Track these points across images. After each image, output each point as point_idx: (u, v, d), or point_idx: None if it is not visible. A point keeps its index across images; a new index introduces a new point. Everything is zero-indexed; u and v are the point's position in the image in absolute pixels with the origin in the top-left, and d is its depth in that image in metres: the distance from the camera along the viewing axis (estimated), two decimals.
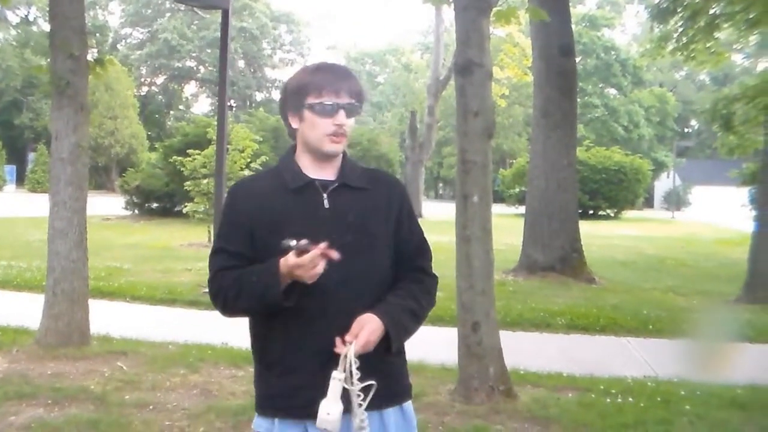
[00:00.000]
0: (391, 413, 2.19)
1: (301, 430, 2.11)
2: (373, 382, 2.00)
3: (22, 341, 6.77)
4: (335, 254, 1.97)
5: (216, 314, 7.15)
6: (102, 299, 9.16)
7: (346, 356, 1.98)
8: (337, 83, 2.13)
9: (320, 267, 1.97)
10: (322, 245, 1.95)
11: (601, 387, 5.89)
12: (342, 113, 2.12)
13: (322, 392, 1.98)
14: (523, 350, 7.10)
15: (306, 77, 2.17)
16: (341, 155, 2.23)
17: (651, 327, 8.61)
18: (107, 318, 7.82)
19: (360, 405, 2.01)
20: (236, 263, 2.14)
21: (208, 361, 6.38)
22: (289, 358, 2.13)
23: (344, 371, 1.97)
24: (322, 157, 2.17)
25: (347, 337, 2.00)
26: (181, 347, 6.88)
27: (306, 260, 1.95)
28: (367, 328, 2.02)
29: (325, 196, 2.15)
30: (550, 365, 6.63)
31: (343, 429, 1.99)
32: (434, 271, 2.33)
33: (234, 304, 2.14)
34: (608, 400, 5.57)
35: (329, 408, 1.96)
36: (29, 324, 7.15)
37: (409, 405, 2.29)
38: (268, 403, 2.18)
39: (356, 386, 1.99)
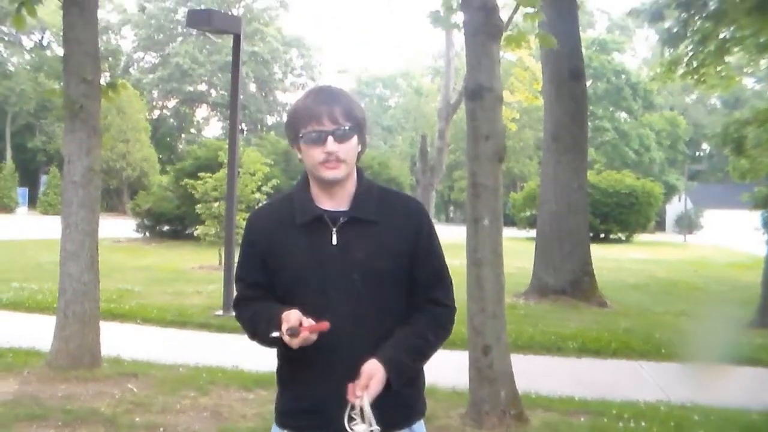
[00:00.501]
0: None
1: None
2: (376, 428, 1.99)
3: (33, 363, 6.78)
4: (326, 325, 1.99)
5: (226, 337, 7.24)
6: (113, 321, 9.17)
7: (362, 409, 1.99)
8: (321, 110, 2.08)
9: (312, 338, 1.99)
10: (304, 333, 1.97)
11: (614, 411, 5.85)
12: (330, 140, 2.06)
13: (329, 417, 2.03)
14: (535, 374, 7.06)
15: (297, 107, 2.15)
16: (356, 180, 2.19)
17: (663, 351, 8.55)
18: (118, 340, 7.83)
19: None
20: (254, 293, 2.20)
21: (219, 383, 6.37)
22: (300, 384, 2.17)
23: (363, 422, 1.99)
24: (327, 184, 2.14)
25: (357, 391, 2.00)
26: (192, 369, 6.87)
27: (295, 345, 1.98)
28: (376, 380, 2.01)
29: (334, 231, 2.12)
30: (562, 389, 6.59)
31: None
32: (453, 300, 2.27)
33: (253, 339, 2.20)
34: (621, 424, 5.53)
35: None
36: (40, 346, 7.16)
37: (419, 425, 2.27)
38: (281, 420, 2.24)
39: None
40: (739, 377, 7.57)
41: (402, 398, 2.17)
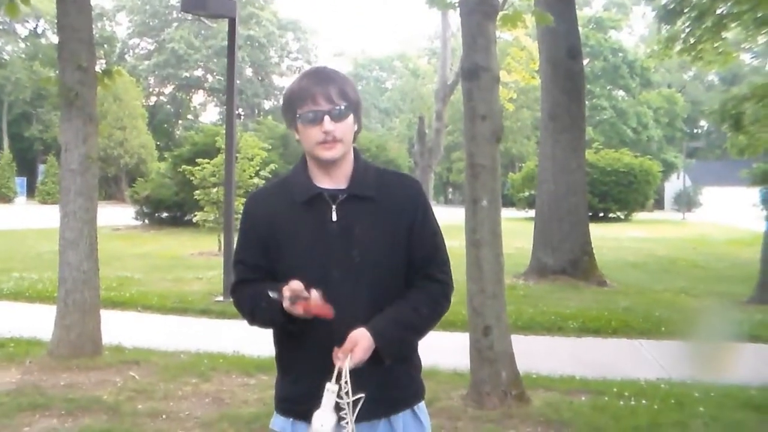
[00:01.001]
0: (399, 418, 2.18)
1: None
2: (362, 395, 2.01)
3: (34, 352, 6.79)
4: (329, 313, 1.99)
5: (227, 323, 7.26)
6: (113, 309, 9.18)
7: (340, 370, 2.00)
8: (316, 90, 2.10)
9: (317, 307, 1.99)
10: (309, 302, 1.97)
11: (614, 390, 5.88)
12: (327, 119, 2.08)
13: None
14: (535, 354, 7.09)
15: (292, 88, 2.17)
16: (353, 160, 2.21)
17: (663, 329, 8.58)
18: (119, 328, 7.85)
19: (348, 422, 2.03)
20: (253, 275, 2.20)
21: (220, 369, 6.39)
22: (299, 366, 2.17)
23: (337, 383, 1.99)
24: (324, 164, 2.15)
25: (339, 353, 2.01)
26: (193, 356, 6.89)
27: (299, 312, 1.98)
28: (360, 346, 2.02)
29: (333, 208, 2.14)
30: (563, 368, 6.61)
31: None
32: (449, 276, 2.27)
33: (251, 322, 2.20)
34: (621, 402, 5.55)
35: (323, 419, 1.98)
36: (42, 335, 7.18)
37: (420, 407, 2.26)
38: (282, 405, 2.23)
39: (346, 399, 2.01)
40: (739, 353, 7.59)
41: (399, 376, 2.18)
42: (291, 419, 2.19)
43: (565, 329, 8.60)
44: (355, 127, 2.19)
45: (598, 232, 16.44)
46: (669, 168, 59.08)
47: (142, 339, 7.53)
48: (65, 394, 5.56)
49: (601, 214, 35.16)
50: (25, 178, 53.25)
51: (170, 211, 26.20)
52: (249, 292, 2.17)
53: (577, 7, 14.09)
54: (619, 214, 37.00)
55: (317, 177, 2.18)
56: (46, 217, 20.26)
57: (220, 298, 10.12)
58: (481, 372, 5.46)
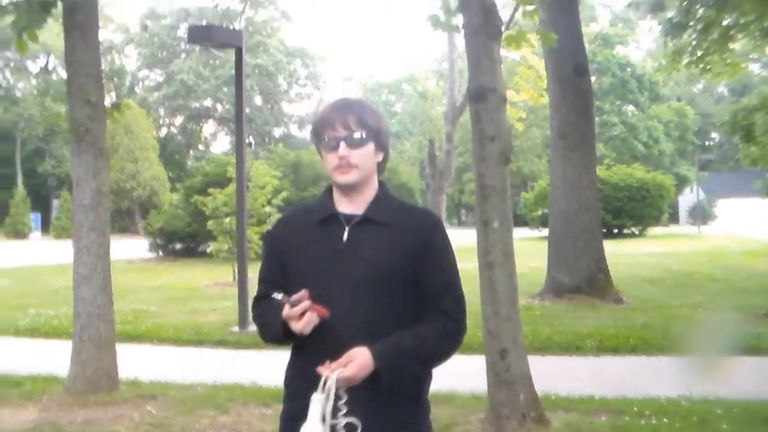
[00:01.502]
0: None
1: None
2: (354, 420, 2.03)
3: (51, 389, 6.78)
4: (325, 312, 2.05)
5: (243, 353, 7.27)
6: (129, 343, 9.16)
7: (326, 381, 2.01)
8: (335, 117, 2.19)
9: (311, 321, 2.05)
10: (306, 302, 2.04)
11: (635, 409, 5.81)
12: (342, 145, 2.17)
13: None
14: (554, 375, 7.02)
15: (318, 116, 2.27)
16: (376, 189, 2.27)
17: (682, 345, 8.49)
18: (135, 362, 7.83)
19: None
20: (271, 292, 2.21)
21: (237, 400, 6.36)
22: (295, 385, 2.22)
23: (323, 393, 2.00)
24: (344, 189, 2.23)
25: (333, 365, 2.03)
26: (210, 388, 6.86)
27: (294, 313, 2.04)
28: (356, 363, 2.03)
29: (346, 229, 2.19)
30: (582, 389, 6.55)
31: None
32: (463, 316, 2.27)
33: (262, 335, 2.30)
34: (642, 422, 5.49)
35: (305, 429, 1.99)
36: (58, 372, 7.16)
37: None
38: (283, 426, 2.28)
39: (340, 421, 2.02)
40: (759, 368, 7.50)
41: (403, 412, 2.16)
42: None
43: (582, 348, 8.53)
44: (379, 156, 2.27)
45: (612, 248, 16.36)
46: (682, 181, 58.91)
47: (159, 372, 7.51)
48: (83, 430, 5.55)
49: (616, 231, 34.98)
50: (39, 214, 53.49)
51: (184, 242, 26.24)
52: (261, 309, 2.28)
53: (582, 23, 14.11)
54: (633, 229, 36.78)
55: (339, 202, 2.25)
56: (60, 252, 20.34)
57: (236, 329, 10.10)
58: (499, 395, 5.42)
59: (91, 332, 6.71)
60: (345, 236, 2.18)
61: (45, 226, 53.10)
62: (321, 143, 2.22)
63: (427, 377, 2.25)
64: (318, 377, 2.05)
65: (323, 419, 2.00)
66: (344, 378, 2.01)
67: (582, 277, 12.55)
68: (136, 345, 9.33)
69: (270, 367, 7.97)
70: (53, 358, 8.02)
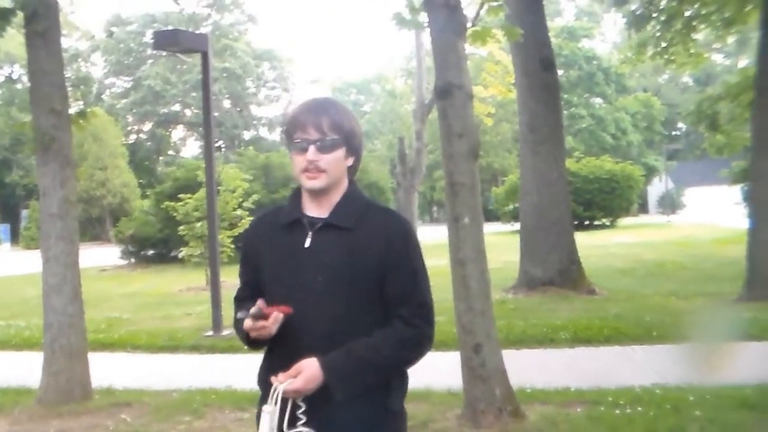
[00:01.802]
0: None
1: None
2: (310, 430, 2.03)
3: (23, 401, 6.69)
4: (288, 309, 2.07)
5: (218, 357, 7.21)
6: (103, 351, 9.08)
7: (275, 391, 2.02)
8: (307, 118, 2.15)
9: (272, 329, 2.07)
10: (273, 314, 2.05)
11: (610, 399, 5.86)
12: (312, 149, 2.13)
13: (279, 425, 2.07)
14: (529, 368, 7.06)
15: (290, 115, 2.23)
16: (344, 191, 2.23)
17: (655, 333, 8.57)
18: (109, 370, 7.77)
19: None
20: (244, 293, 2.31)
21: (213, 405, 6.33)
22: (264, 389, 2.21)
23: (274, 404, 2.01)
24: (311, 193, 2.20)
25: (280, 377, 2.04)
26: (185, 393, 6.82)
27: (256, 326, 2.06)
28: (303, 375, 2.03)
29: (309, 234, 2.17)
30: (557, 381, 6.58)
31: None
32: (427, 321, 2.21)
33: (240, 337, 2.28)
34: (618, 411, 5.54)
35: None
36: (30, 383, 7.07)
37: None
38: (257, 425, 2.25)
39: (300, 430, 2.03)
40: (732, 353, 7.58)
41: (364, 421, 2.13)
42: None
43: (557, 341, 8.58)
44: (350, 161, 2.22)
45: (584, 240, 16.48)
46: (651, 171, 59.51)
47: (133, 380, 7.45)
48: None
49: (587, 222, 35.27)
50: (8, 225, 52.87)
51: (156, 248, 26.07)
52: (235, 312, 2.26)
53: (548, 17, 14.18)
54: (604, 221, 37.13)
55: (307, 204, 2.23)
56: (30, 262, 20.08)
57: (210, 333, 10.04)
58: (475, 390, 5.43)
59: (63, 342, 6.64)
60: (307, 242, 2.16)
61: (14, 237, 52.47)
62: (291, 144, 2.18)
63: (394, 385, 2.21)
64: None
65: (273, 430, 2.01)
66: (292, 390, 2.01)
67: (554, 270, 12.63)
68: (110, 353, 9.24)
69: (245, 370, 7.94)
70: (25, 369, 7.92)
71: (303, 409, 2.04)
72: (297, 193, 2.28)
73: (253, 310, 2.04)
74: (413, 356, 2.19)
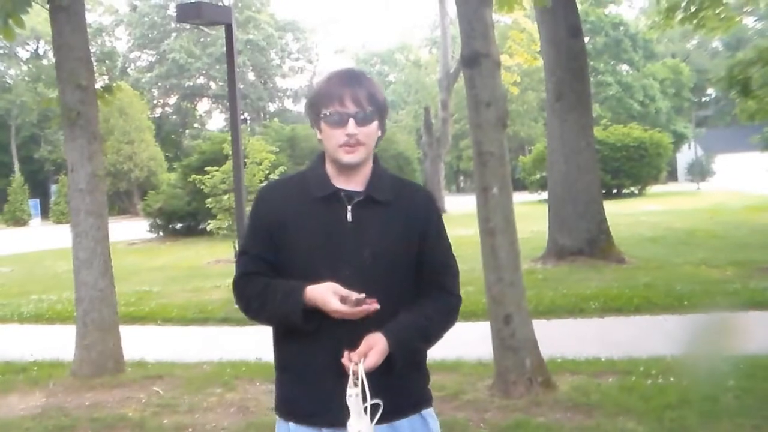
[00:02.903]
0: (405, 423, 2.16)
1: None
2: (379, 401, 1.99)
3: (57, 375, 6.79)
4: (375, 305, 2.01)
5: (249, 329, 7.23)
6: (134, 324, 9.17)
7: (356, 374, 1.98)
8: (344, 91, 2.10)
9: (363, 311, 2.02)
10: (375, 305, 2.01)
11: (641, 369, 5.82)
12: (351, 122, 2.08)
13: (330, 402, 2.04)
14: (559, 338, 7.03)
15: (319, 88, 2.18)
16: (371, 165, 2.20)
17: (686, 302, 8.50)
18: (140, 343, 7.84)
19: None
20: (258, 268, 2.18)
21: (244, 377, 6.37)
22: (300, 366, 2.16)
23: (356, 386, 1.98)
24: (343, 167, 2.14)
25: (353, 356, 2.00)
26: (216, 366, 6.87)
27: (355, 312, 2.00)
28: (377, 350, 2.01)
29: (349, 208, 2.13)
30: (588, 351, 6.55)
31: None
32: (459, 290, 2.30)
33: (256, 315, 2.20)
34: (649, 381, 5.50)
35: (359, 426, 1.97)
36: (64, 356, 7.17)
37: (429, 412, 2.25)
38: (282, 407, 2.23)
39: (365, 404, 1.99)
40: (764, 322, 7.51)
41: (408, 383, 2.16)
42: (290, 423, 2.17)
43: (586, 310, 8.54)
44: (379, 132, 2.18)
45: (613, 209, 16.35)
46: (679, 139, 58.77)
47: (165, 352, 7.52)
48: (90, 414, 5.55)
49: (615, 191, 34.99)
50: (38, 200, 53.37)
51: (184, 221, 26.22)
52: (256, 288, 2.16)
53: None
54: (632, 189, 36.81)
55: (334, 177, 2.17)
56: (61, 237, 20.29)
57: None
58: (506, 361, 5.41)
59: (94, 316, 6.70)
60: (349, 216, 2.12)
61: (44, 212, 53.04)
62: (324, 117, 2.11)
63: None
64: (329, 359, 2.04)
65: (365, 411, 1.98)
66: (368, 367, 1.99)
67: (583, 239, 12.54)
68: (140, 326, 9.34)
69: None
70: (58, 343, 8.03)
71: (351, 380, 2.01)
72: (321, 163, 2.22)
73: (354, 297, 1.99)
74: (452, 325, 2.26)
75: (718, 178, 55.69)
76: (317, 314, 2.03)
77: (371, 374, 2.00)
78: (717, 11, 14.70)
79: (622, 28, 62.43)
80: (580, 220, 12.62)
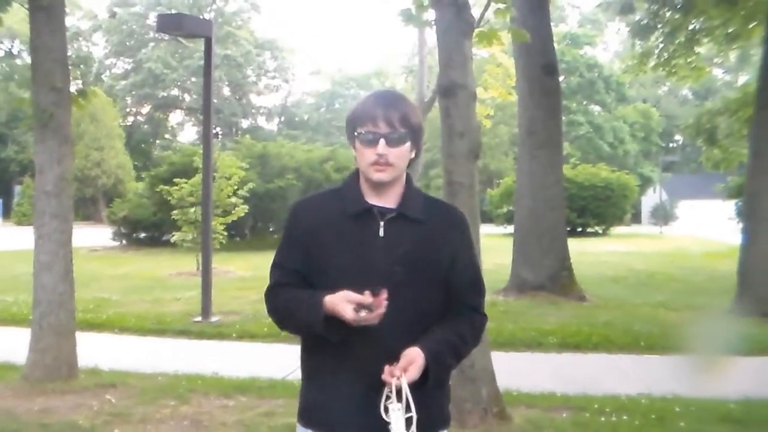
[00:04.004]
0: None
1: None
2: (414, 414, 2.03)
3: (8, 377, 6.69)
4: (383, 305, 2.03)
5: (206, 343, 7.19)
6: (90, 331, 9.06)
7: (399, 389, 2.01)
8: (377, 112, 2.15)
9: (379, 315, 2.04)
10: (382, 309, 2.02)
11: (596, 406, 5.87)
12: (382, 142, 2.13)
13: (354, 413, 2.09)
14: (516, 371, 7.06)
15: (357, 106, 2.22)
16: (405, 183, 2.25)
17: (643, 343, 8.60)
18: (96, 350, 7.75)
19: None
20: (291, 280, 2.23)
21: (198, 391, 6.31)
22: (328, 375, 2.19)
23: (399, 401, 2.01)
24: (375, 184, 2.19)
25: (395, 371, 2.03)
26: (171, 378, 6.81)
27: (370, 318, 2.02)
28: (416, 365, 2.05)
29: (381, 224, 2.17)
30: (544, 385, 6.60)
31: None
32: (484, 310, 2.34)
33: (284, 326, 2.26)
34: (603, 419, 5.55)
35: None
36: (15, 359, 7.06)
37: None
38: (305, 414, 2.26)
39: (412, 414, 2.03)
40: (722, 366, 7.60)
41: (429, 401, 2.16)
42: (310, 431, 2.21)
43: (545, 345, 8.60)
44: (413, 153, 2.22)
45: (576, 247, 16.50)
46: (646, 182, 59.57)
47: (120, 361, 7.44)
48: (40, 419, 5.47)
49: (580, 229, 35.28)
50: (0, 200, 52.68)
51: (148, 231, 26.03)
52: (284, 299, 2.21)
53: (552, 23, 14.18)
54: (597, 228, 37.15)
55: (367, 194, 2.22)
56: (21, 238, 20.02)
57: (199, 319, 10.03)
58: (462, 390, 5.43)
59: (51, 320, 6.62)
60: (381, 232, 2.17)
61: (6, 213, 52.30)
62: (357, 136, 2.17)
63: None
64: (357, 370, 2.09)
65: (407, 427, 2.01)
66: (410, 381, 2.03)
67: (546, 275, 12.63)
68: (97, 333, 9.24)
69: (232, 358, 7.94)
70: (11, 345, 7.88)
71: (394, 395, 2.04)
72: (356, 181, 2.26)
73: (367, 301, 2.01)
74: (479, 343, 2.35)
75: (681, 223, 56.36)
76: (342, 325, 2.06)
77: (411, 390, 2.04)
78: (689, 60, 15.03)
79: (596, 69, 63.46)
80: (544, 255, 12.73)
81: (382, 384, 2.04)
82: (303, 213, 2.29)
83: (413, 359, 2.05)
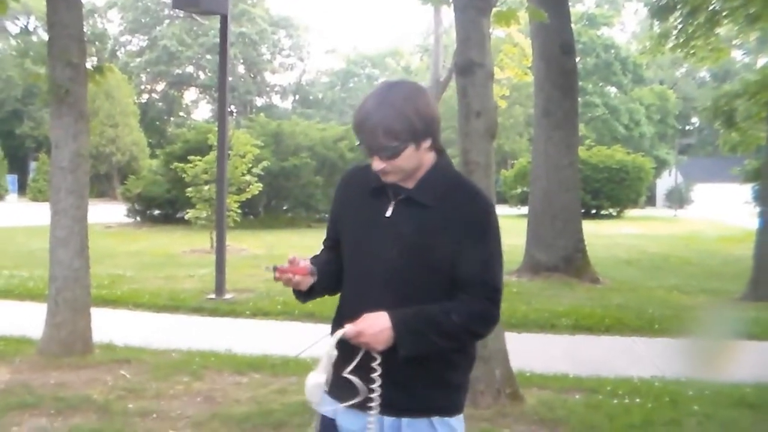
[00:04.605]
0: (405, 422, 2.14)
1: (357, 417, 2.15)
2: (374, 387, 2.04)
3: (24, 351, 6.73)
4: (303, 270, 2.15)
5: (219, 321, 7.24)
6: (105, 307, 9.09)
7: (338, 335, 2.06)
8: (362, 126, 2.07)
9: (296, 279, 2.15)
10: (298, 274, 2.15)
11: (608, 388, 5.86)
12: (376, 159, 2.08)
13: (348, 387, 2.08)
14: (529, 352, 7.05)
15: (355, 112, 2.14)
16: (433, 165, 2.17)
17: (656, 326, 8.57)
18: (110, 326, 7.78)
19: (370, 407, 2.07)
20: (326, 244, 2.38)
21: (212, 368, 6.34)
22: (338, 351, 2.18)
23: (334, 347, 2.06)
24: None
25: (347, 324, 2.05)
26: (185, 354, 6.84)
27: (282, 278, 2.14)
28: (370, 321, 2.02)
29: (392, 204, 2.16)
30: (556, 366, 6.59)
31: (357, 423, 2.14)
32: (495, 304, 2.17)
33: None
34: (615, 401, 5.54)
35: (311, 377, 2.07)
36: (32, 334, 7.11)
37: (442, 420, 2.18)
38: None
39: (376, 391, 2.05)
40: (733, 351, 7.57)
41: (417, 383, 2.13)
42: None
43: (558, 327, 8.58)
44: (425, 143, 2.11)
45: (590, 229, 16.44)
46: (661, 165, 59.21)
47: (134, 337, 7.47)
48: (55, 392, 5.51)
49: (594, 211, 35.18)
50: (16, 176, 52.94)
51: (162, 208, 26.14)
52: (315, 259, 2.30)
53: (569, 3, 14.06)
54: (611, 210, 37.03)
55: None
56: (37, 214, 20.12)
57: (213, 296, 10.07)
58: (475, 370, 5.36)
59: (67, 295, 6.66)
60: (388, 212, 2.15)
61: (22, 188, 52.58)
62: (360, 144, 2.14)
63: (455, 360, 2.20)
64: (345, 347, 2.07)
65: (329, 371, 2.07)
66: (355, 331, 2.01)
67: (560, 256, 12.61)
68: (111, 309, 9.27)
69: (245, 335, 7.97)
70: (27, 320, 7.95)
71: (378, 361, 2.02)
72: None
73: (273, 266, 2.11)
74: (480, 330, 2.20)
75: (696, 207, 56.17)
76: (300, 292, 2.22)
77: (389, 370, 2.04)
78: (708, 41, 14.85)
79: (613, 50, 62.90)
80: (557, 237, 12.69)
81: (371, 359, 2.05)
82: (342, 183, 2.36)
83: (371, 317, 2.03)
